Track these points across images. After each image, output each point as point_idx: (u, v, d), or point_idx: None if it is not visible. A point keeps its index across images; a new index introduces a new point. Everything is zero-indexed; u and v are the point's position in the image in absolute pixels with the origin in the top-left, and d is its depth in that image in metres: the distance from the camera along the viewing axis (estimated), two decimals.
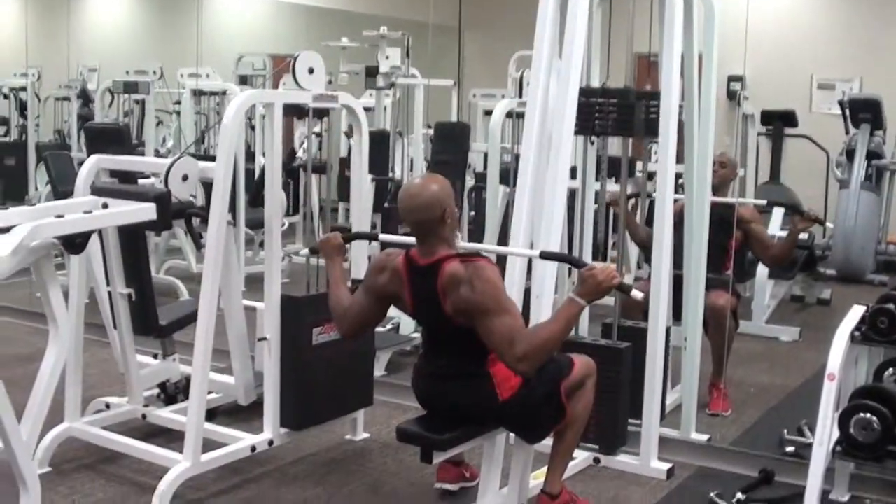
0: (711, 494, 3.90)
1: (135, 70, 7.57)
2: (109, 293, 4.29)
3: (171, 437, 4.33)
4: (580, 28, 3.98)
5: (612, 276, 3.30)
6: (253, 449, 4.08)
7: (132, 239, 4.23)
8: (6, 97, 9.30)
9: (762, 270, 6.77)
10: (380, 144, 7.23)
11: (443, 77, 8.05)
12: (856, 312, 3.90)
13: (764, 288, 6.78)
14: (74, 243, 3.07)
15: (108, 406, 4.54)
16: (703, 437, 4.60)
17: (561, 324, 3.30)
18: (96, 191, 3.50)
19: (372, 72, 7.18)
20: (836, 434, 3.74)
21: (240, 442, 4.09)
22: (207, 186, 4.02)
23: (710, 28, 4.66)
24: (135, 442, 4.11)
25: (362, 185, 4.47)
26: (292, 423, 4.15)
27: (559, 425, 3.66)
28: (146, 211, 3.29)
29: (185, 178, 3.83)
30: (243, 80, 9.59)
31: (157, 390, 4.66)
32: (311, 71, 4.12)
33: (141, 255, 4.28)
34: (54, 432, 4.16)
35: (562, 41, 4.03)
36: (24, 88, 8.68)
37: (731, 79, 9.44)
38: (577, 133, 4.26)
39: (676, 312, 4.97)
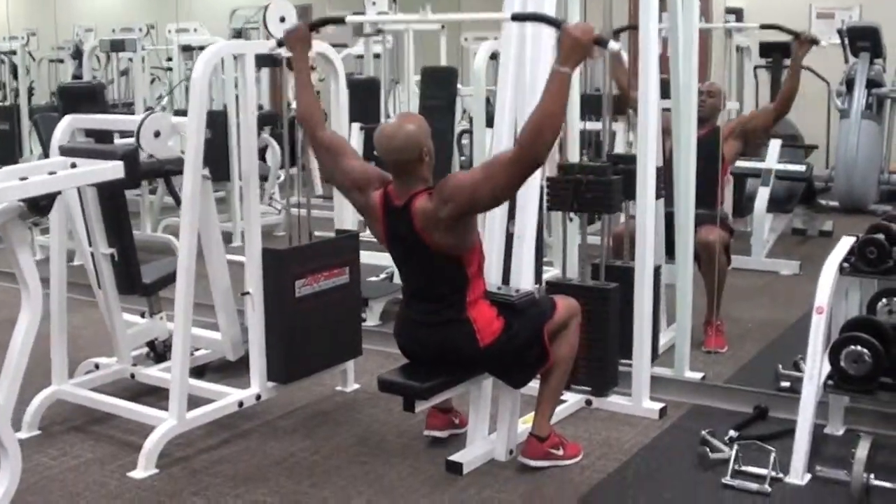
0: (703, 432, 3.86)
1: (121, 28, 7.48)
2: (92, 253, 4.26)
3: (160, 396, 4.28)
4: None
5: (587, 29, 3.14)
6: (240, 404, 4.06)
7: (112, 199, 4.19)
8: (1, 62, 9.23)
9: (759, 204, 6.69)
10: (370, 92, 7.17)
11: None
12: (845, 243, 3.84)
13: (763, 222, 6.70)
14: (39, 205, 3.02)
15: (97, 367, 4.53)
16: (698, 375, 4.56)
17: (549, 96, 3.11)
18: (64, 151, 3.46)
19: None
20: (827, 368, 3.70)
21: (227, 397, 4.08)
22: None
23: None
24: (122, 402, 4.10)
25: (344, 134, 4.40)
26: (279, 377, 4.13)
27: (543, 368, 3.62)
28: (113, 170, 3.23)
29: (157, 134, 3.77)
30: (238, 35, 9.50)
31: (146, 349, 4.65)
32: (282, 19, 4.03)
33: (121, 214, 4.24)
34: (42, 395, 4.16)
35: None
36: (14, 52, 8.55)
37: (728, 10, 9.29)
38: (551, 209, 4.31)
39: (670, 250, 4.93)
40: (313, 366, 4.23)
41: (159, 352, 4.62)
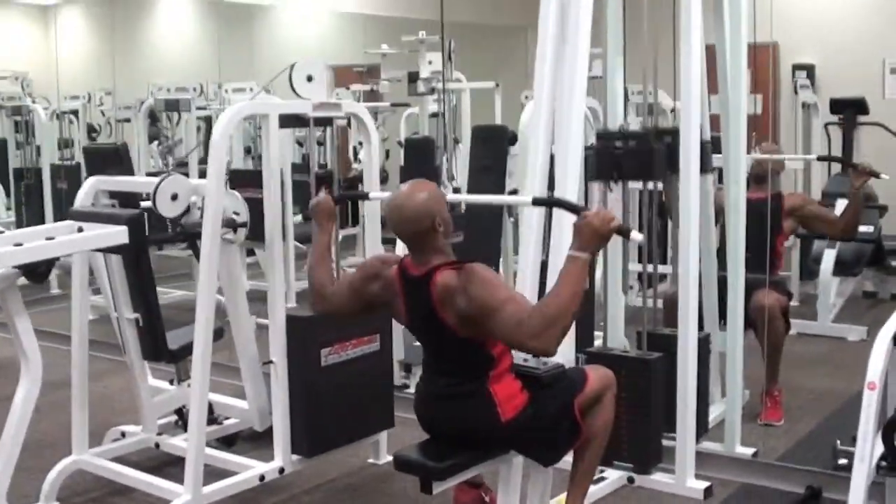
0: None
1: (175, 87, 7.49)
2: (118, 318, 4.17)
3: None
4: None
5: (607, 219, 2.99)
6: (262, 478, 3.90)
7: (136, 262, 4.08)
8: (59, 118, 9.30)
9: (825, 267, 6.39)
10: (424, 152, 7.04)
11: (508, 80, 7.81)
12: None
13: (829, 285, 6.39)
14: (36, 272, 2.92)
15: (123, 435, 4.41)
16: (749, 451, 4.28)
17: (567, 287, 2.95)
18: (73, 215, 3.37)
19: (413, 77, 6.98)
20: (880, 448, 3.41)
21: (249, 471, 3.91)
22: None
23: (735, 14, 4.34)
24: (140, 474, 3.96)
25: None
26: (304, 450, 3.96)
27: (575, 444, 3.39)
28: (115, 235, 3.12)
29: (174, 197, 3.67)
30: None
31: (174, 417, 4.52)
32: (309, 79, 3.93)
33: (145, 278, 4.11)
34: (61, 465, 4.03)
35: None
36: (75, 112, 8.64)
37: (795, 67, 9.05)
38: (595, 179, 4.10)
39: (724, 315, 4.69)
40: (340, 438, 4.05)
41: (187, 420, 4.47)
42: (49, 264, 2.96)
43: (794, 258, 7.13)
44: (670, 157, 4.04)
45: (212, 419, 4.46)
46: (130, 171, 4.15)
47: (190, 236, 3.90)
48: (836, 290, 6.56)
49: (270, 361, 3.93)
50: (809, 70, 9.08)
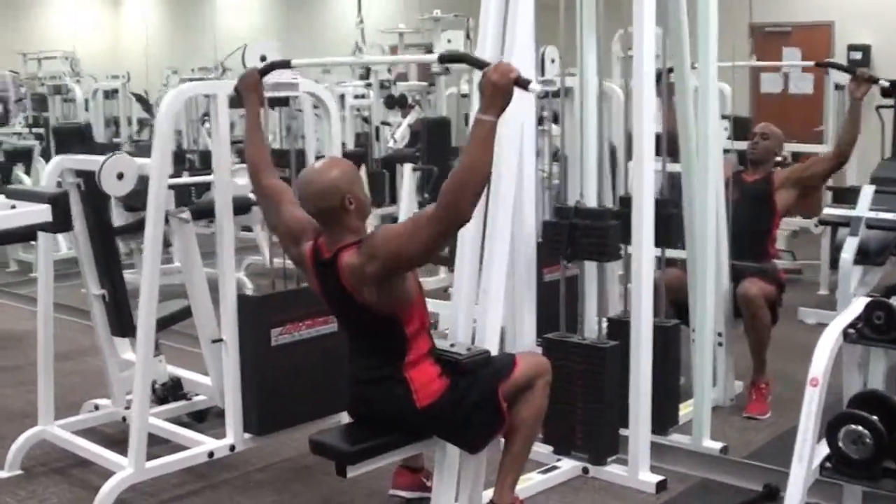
0: None
1: (199, 68, 7.57)
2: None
3: (153, 440, 4.22)
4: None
5: (506, 71, 2.88)
6: (210, 454, 3.91)
7: (102, 240, 4.15)
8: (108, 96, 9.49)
9: (846, 256, 6.12)
10: (440, 132, 6.98)
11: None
12: (858, 305, 3.40)
13: (848, 274, 6.11)
14: None
15: (97, 407, 4.48)
16: (717, 446, 4.14)
17: (471, 148, 2.87)
18: (8, 193, 3.41)
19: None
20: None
21: (198, 447, 3.94)
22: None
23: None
24: (93, 446, 4.00)
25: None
26: (254, 429, 3.97)
27: (499, 432, 3.33)
28: (37, 214, 3.16)
29: (120, 176, 3.70)
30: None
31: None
32: (262, 59, 3.90)
33: (111, 255, 4.19)
34: (25, 435, 4.14)
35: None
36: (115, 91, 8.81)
37: (850, 48, 8.73)
38: (548, 256, 4.07)
39: None
40: (292, 418, 4.03)
41: (159, 395, 4.52)
42: None
43: (824, 246, 6.90)
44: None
45: (181, 395, 4.52)
46: (93, 150, 4.22)
47: (198, 213, 3.94)
48: (861, 280, 6.27)
49: (220, 339, 3.94)
50: (865, 50, 8.75)
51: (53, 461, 4.18)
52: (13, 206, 3.30)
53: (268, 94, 3.87)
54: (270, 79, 3.87)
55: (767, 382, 4.69)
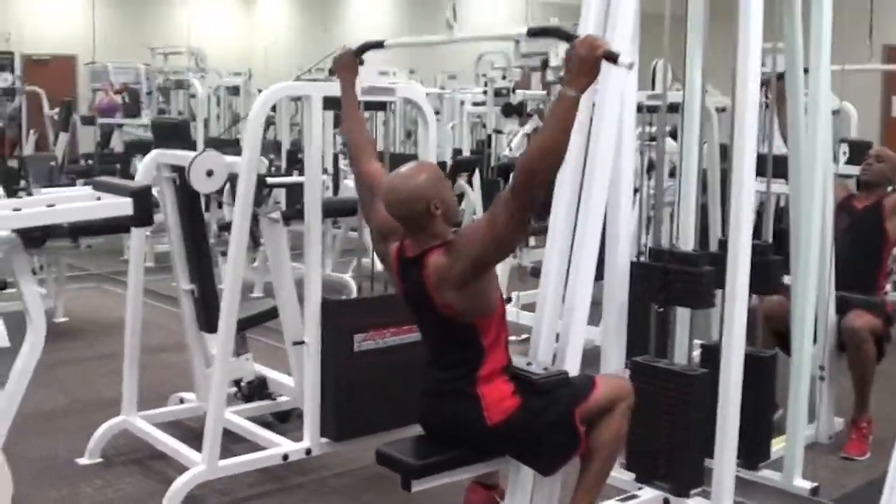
0: None
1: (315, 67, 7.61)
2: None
3: (233, 438, 4.24)
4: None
5: (594, 45, 2.77)
6: (285, 457, 3.90)
7: (193, 235, 4.18)
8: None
9: None
10: None
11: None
12: None
13: None
14: (32, 237, 3.01)
15: (182, 401, 4.53)
16: (808, 486, 3.94)
17: (552, 121, 2.79)
18: (96, 185, 3.45)
19: (545, 65, 6.81)
20: None
21: (273, 448, 3.93)
22: None
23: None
24: (171, 440, 4.03)
25: None
26: (332, 434, 3.94)
27: (573, 455, 3.21)
28: (117, 207, 3.18)
29: (209, 173, 3.71)
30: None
31: (234, 389, 4.60)
32: (360, 62, 3.87)
33: (202, 251, 4.21)
34: (107, 424, 4.20)
35: None
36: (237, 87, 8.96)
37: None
38: (638, 300, 3.82)
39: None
40: (371, 426, 3.97)
41: (244, 393, 4.54)
42: (44, 231, 3.04)
43: None
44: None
45: (267, 394, 4.52)
46: (192, 146, 4.24)
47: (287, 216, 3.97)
48: None
49: (302, 342, 3.93)
50: None
51: (134, 452, 4.23)
52: (98, 198, 3.33)
53: (363, 99, 3.85)
54: (365, 83, 3.85)
55: (870, 421, 4.46)
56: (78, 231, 4.22)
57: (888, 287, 4.77)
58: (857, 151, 6.01)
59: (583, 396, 3.20)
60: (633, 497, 3.82)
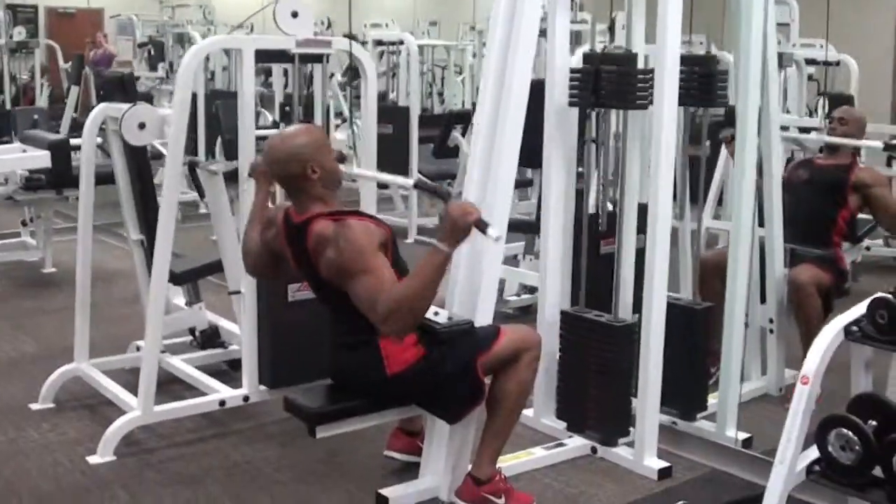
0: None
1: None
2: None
3: (186, 385, 4.35)
4: None
5: (466, 212, 2.90)
6: (222, 403, 4.00)
7: (141, 186, 4.27)
8: None
9: None
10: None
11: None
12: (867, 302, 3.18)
13: None
14: None
15: (138, 349, 4.63)
16: (742, 437, 3.95)
17: (422, 276, 2.90)
18: (23, 138, 3.54)
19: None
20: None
21: (212, 395, 4.03)
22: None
23: None
24: (114, 386, 4.14)
25: (370, 139, 4.17)
26: (268, 381, 4.03)
27: (477, 404, 3.27)
28: (38, 159, 3.26)
29: (141, 126, 3.78)
30: None
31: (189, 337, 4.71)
32: (294, 14, 3.90)
33: (150, 201, 4.29)
34: (59, 371, 4.31)
35: None
36: None
37: None
38: (571, 105, 3.83)
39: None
40: (307, 374, 4.01)
41: (199, 342, 4.65)
42: None
43: None
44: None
45: (219, 343, 4.62)
46: (135, 100, 4.30)
47: (190, 164, 4.02)
48: None
49: (238, 292, 4.01)
50: None
51: (88, 398, 4.34)
52: (24, 150, 3.42)
53: (298, 51, 3.89)
54: (300, 35, 3.89)
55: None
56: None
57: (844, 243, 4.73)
58: (837, 105, 5.94)
59: (485, 346, 3.24)
60: (561, 445, 3.88)
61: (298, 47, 3.90)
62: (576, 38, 6.36)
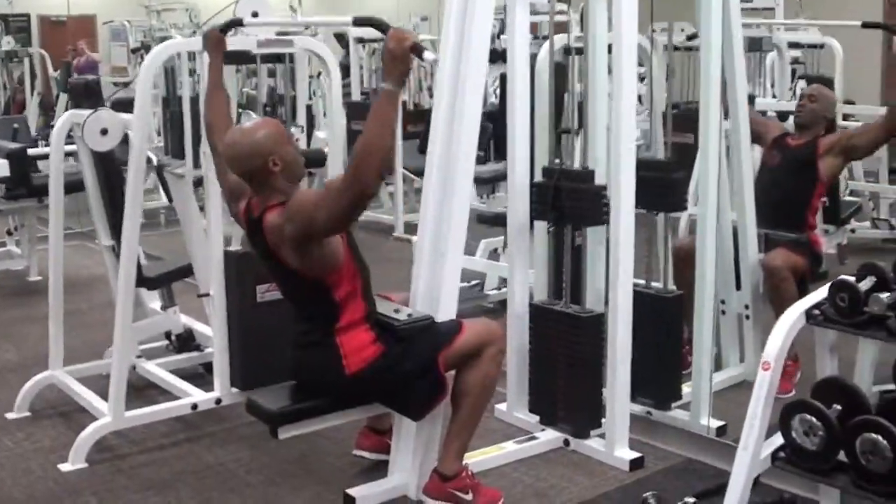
0: (646, 494, 3.34)
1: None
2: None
3: (161, 391, 4.35)
4: None
5: (400, 38, 2.88)
6: (194, 406, 3.99)
7: (111, 191, 4.26)
8: None
9: None
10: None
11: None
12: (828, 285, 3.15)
13: None
14: None
15: None
16: (716, 424, 3.92)
17: (373, 120, 2.86)
18: None
19: None
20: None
21: (184, 399, 4.02)
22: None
23: None
24: (89, 393, 4.13)
25: (336, 132, 4.17)
26: (238, 383, 4.01)
27: (439, 400, 3.26)
28: None
29: (104, 132, 3.77)
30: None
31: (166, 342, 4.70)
32: (255, 15, 3.89)
33: (120, 207, 4.28)
34: (34, 379, 4.31)
35: None
36: None
37: None
38: (533, 219, 3.88)
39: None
40: (277, 375, 3.99)
41: (175, 346, 4.64)
42: None
43: None
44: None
45: (194, 346, 4.62)
46: (101, 105, 4.31)
47: (158, 167, 4.02)
48: None
49: (207, 294, 4.00)
50: None
51: (63, 405, 4.33)
52: None
53: (259, 51, 3.88)
54: (261, 36, 3.88)
55: (795, 360, 4.41)
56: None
57: (818, 226, 4.69)
58: None
59: (447, 341, 3.23)
60: (533, 438, 3.86)
61: (260, 47, 3.89)
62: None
